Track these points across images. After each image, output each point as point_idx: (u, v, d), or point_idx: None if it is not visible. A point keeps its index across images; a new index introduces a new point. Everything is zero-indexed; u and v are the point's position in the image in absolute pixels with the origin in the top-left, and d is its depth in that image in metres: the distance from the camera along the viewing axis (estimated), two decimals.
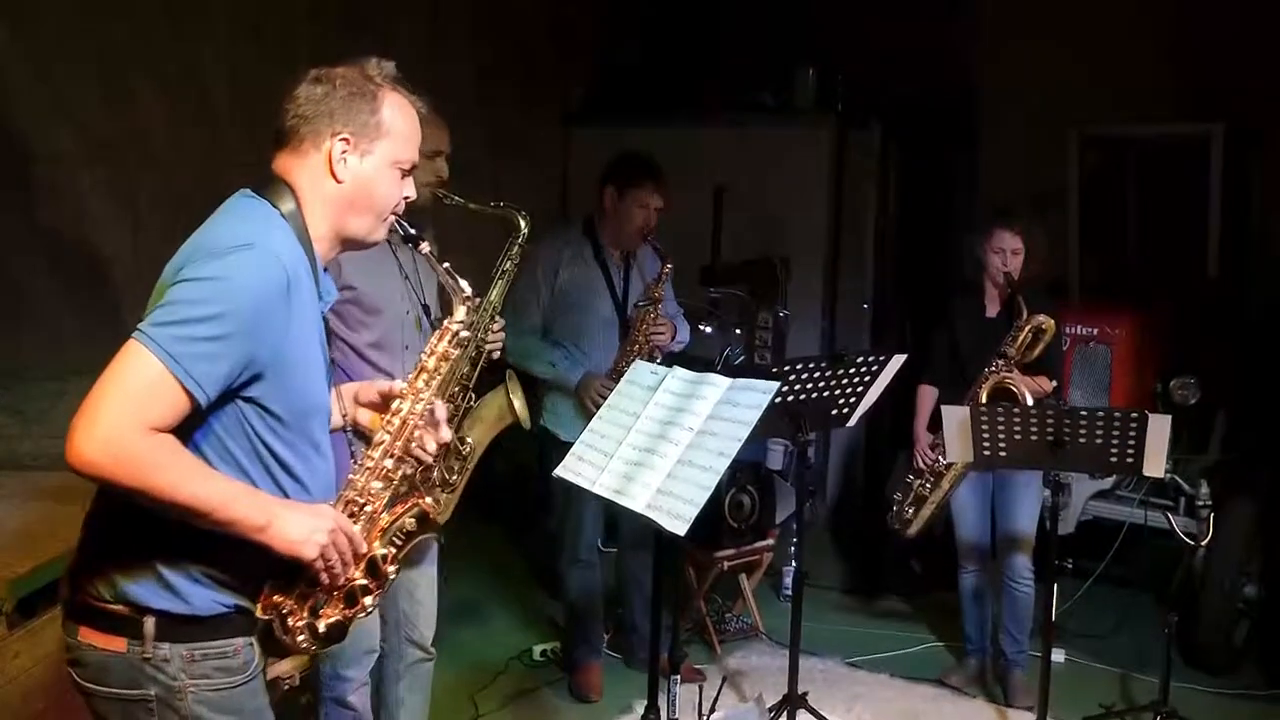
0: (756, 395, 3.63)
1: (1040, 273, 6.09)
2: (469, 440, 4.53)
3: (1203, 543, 5.91)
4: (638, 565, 6.10)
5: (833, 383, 5.07)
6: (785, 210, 8.78)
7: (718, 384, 3.76)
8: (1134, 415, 4.98)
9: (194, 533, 2.60)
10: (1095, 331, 7.13)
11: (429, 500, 3.07)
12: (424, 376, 3.07)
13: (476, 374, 4.51)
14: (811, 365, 4.95)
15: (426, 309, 4.56)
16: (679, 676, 4.28)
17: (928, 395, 6.20)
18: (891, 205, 9.06)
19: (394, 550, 2.99)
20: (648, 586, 5.61)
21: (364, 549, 2.88)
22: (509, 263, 4.55)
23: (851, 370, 5.10)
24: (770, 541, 7.06)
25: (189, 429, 2.61)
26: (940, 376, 6.18)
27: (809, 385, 4.98)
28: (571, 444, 4.02)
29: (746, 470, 6.98)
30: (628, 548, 6.26)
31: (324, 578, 2.77)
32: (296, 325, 2.70)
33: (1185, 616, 6.26)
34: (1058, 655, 6.46)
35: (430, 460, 4.31)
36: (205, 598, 2.70)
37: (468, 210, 4.48)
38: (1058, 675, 5.87)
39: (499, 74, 8.91)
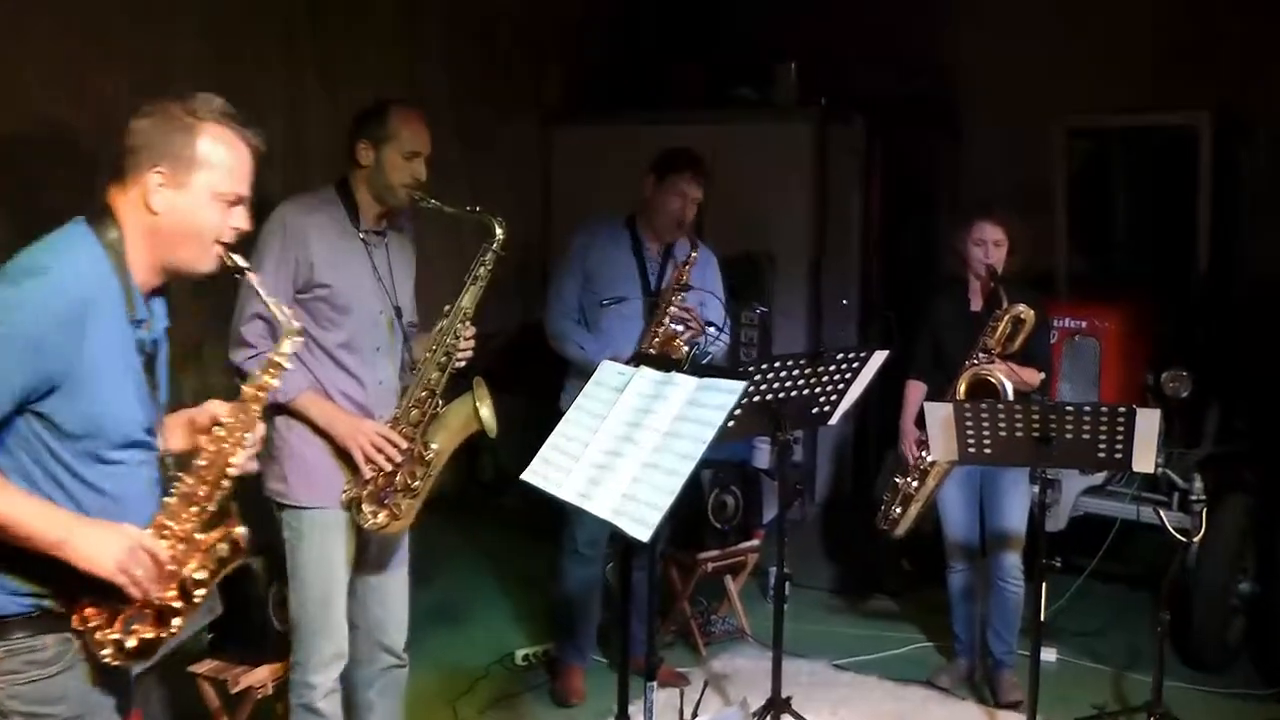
0: (722, 396, 3.52)
1: (1024, 266, 6.01)
2: (434, 446, 4.45)
3: (1196, 539, 5.80)
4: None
5: (813, 380, 4.99)
6: (769, 206, 8.70)
7: (684, 384, 3.66)
8: (1122, 410, 4.89)
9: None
10: (1084, 324, 7.06)
11: (240, 529, 3.03)
12: (243, 405, 3.06)
13: (445, 380, 4.45)
14: (790, 363, 4.87)
15: (399, 311, 4.51)
16: (655, 682, 4.16)
17: (916, 390, 6.13)
18: (876, 200, 8.96)
19: (207, 574, 2.99)
20: (638, 588, 5.53)
21: (170, 568, 2.90)
22: (482, 268, 4.46)
23: (832, 368, 5.02)
24: (755, 542, 6.97)
25: None
26: (927, 372, 6.09)
27: (788, 383, 4.90)
28: None
29: (731, 470, 6.91)
30: (630, 548, 6.17)
31: (130, 592, 2.80)
32: (93, 346, 2.76)
33: (1179, 614, 6.18)
34: (1049, 654, 6.40)
35: (381, 466, 4.30)
36: (8, 599, 2.78)
37: (443, 214, 4.40)
38: (1049, 675, 5.80)
39: (474, 74, 8.84)
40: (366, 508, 4.39)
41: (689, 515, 6.58)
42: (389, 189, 4.38)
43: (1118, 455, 4.97)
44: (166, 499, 2.96)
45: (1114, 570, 7.17)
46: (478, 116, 8.83)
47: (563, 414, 5.71)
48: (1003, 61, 8.95)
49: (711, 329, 5.84)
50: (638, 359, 4.40)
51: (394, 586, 4.71)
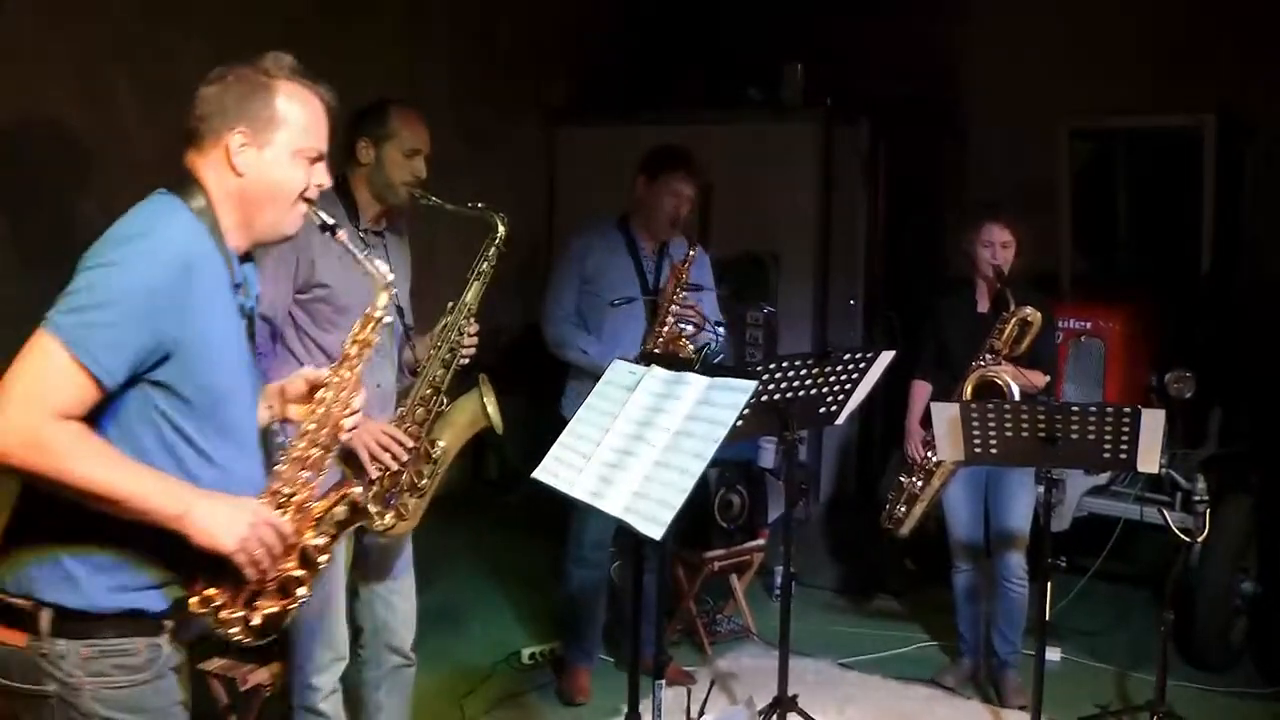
0: (734, 395, 3.54)
1: (1027, 266, 6.04)
2: (440, 444, 4.47)
3: (1199, 539, 5.82)
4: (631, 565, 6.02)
5: (820, 380, 5.00)
6: (774, 207, 8.72)
7: (695, 383, 3.67)
8: (1127, 411, 4.90)
9: (107, 524, 2.62)
10: (1088, 325, 7.07)
11: (358, 489, 3.05)
12: (346, 363, 3.07)
13: (450, 377, 4.47)
14: (797, 363, 4.89)
15: (401, 310, 4.51)
16: (664, 680, 4.18)
17: (921, 391, 6.15)
18: (881, 201, 8.98)
19: (327, 540, 2.98)
20: (645, 588, 5.55)
21: (292, 539, 2.88)
22: (485, 264, 4.48)
23: (839, 367, 5.04)
24: (761, 541, 6.99)
25: (97, 415, 2.64)
26: (932, 372, 6.11)
27: (795, 383, 4.91)
28: None
29: (736, 469, 6.94)
30: (627, 546, 6.21)
31: (249, 570, 2.76)
32: (201, 312, 2.73)
33: (1182, 614, 6.19)
34: (1053, 654, 6.41)
35: (387, 465, 4.30)
36: (105, 595, 2.70)
37: (445, 211, 4.41)
38: (1053, 674, 5.82)
39: (477, 74, 8.85)
40: (372, 509, 4.37)
41: (695, 514, 6.60)
42: (389, 187, 4.39)
43: (1123, 455, 4.98)
44: (278, 467, 2.95)
45: (1117, 570, 7.18)
46: (481, 117, 8.85)
47: (565, 419, 5.78)
48: (1007, 63, 8.96)
49: (713, 325, 5.86)
50: (647, 358, 4.40)
51: (400, 588, 4.71)
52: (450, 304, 4.47)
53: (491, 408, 4.53)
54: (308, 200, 2.98)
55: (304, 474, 2.95)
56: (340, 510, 2.99)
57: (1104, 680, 6.36)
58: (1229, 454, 7.12)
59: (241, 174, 2.86)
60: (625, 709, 4.20)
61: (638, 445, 3.61)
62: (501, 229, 4.47)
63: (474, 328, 4.48)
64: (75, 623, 2.69)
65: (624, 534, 6.09)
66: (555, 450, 3.88)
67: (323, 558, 2.95)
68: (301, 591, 2.91)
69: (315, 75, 3.00)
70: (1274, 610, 6.65)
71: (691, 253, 5.82)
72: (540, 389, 6.08)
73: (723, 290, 6.79)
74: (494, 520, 8.41)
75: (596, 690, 6.06)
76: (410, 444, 4.38)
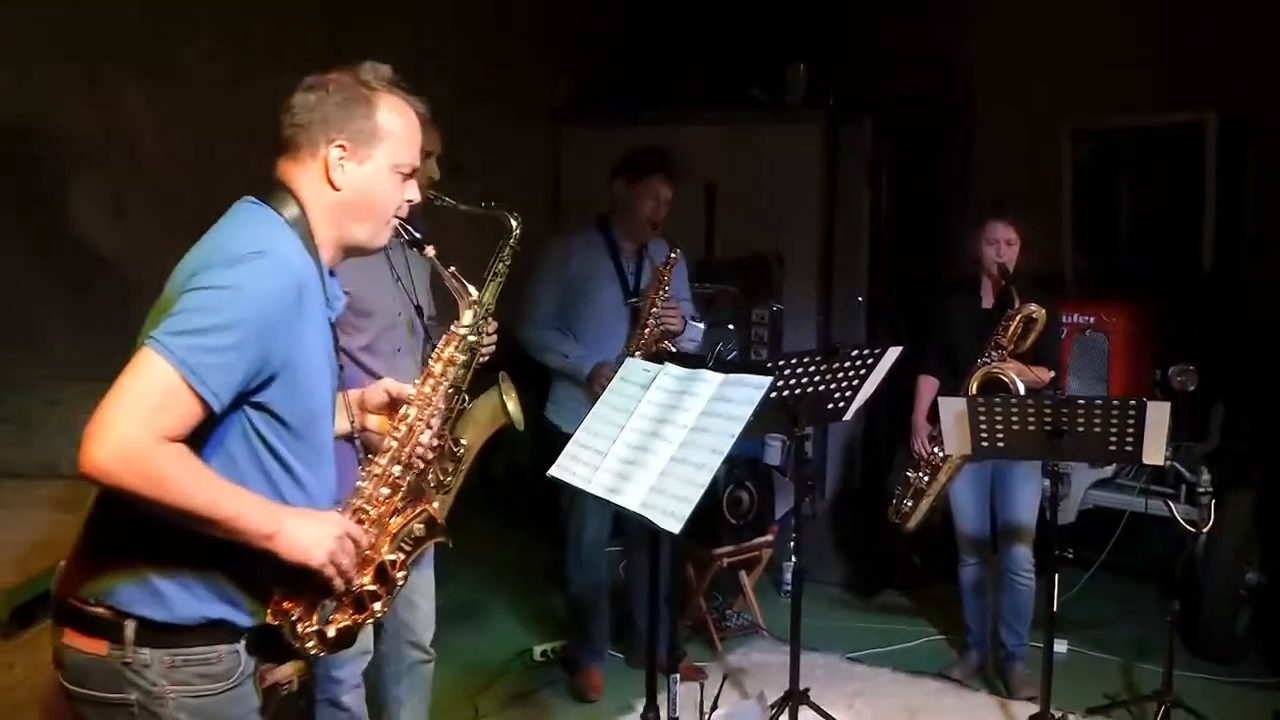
0: (750, 390, 3.60)
1: (1029, 265, 6.08)
2: (463, 442, 4.54)
3: (1204, 530, 5.88)
4: (642, 561, 6.08)
5: (828, 376, 5.05)
6: (778, 207, 8.74)
7: (710, 380, 3.73)
8: (1132, 403, 4.95)
9: (190, 540, 2.60)
10: (1092, 320, 7.11)
11: (435, 505, 3.09)
12: (430, 382, 3.08)
13: (470, 376, 4.50)
14: (806, 359, 4.94)
15: (419, 310, 4.57)
16: (678, 675, 4.24)
17: (928, 386, 6.20)
18: (885, 200, 9.02)
19: (403, 556, 3.00)
20: (659, 584, 5.60)
21: (371, 554, 2.90)
22: (501, 264, 4.55)
23: (846, 364, 5.08)
24: (769, 537, 7.05)
25: (195, 435, 2.60)
26: (938, 369, 6.16)
27: (804, 379, 4.96)
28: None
29: (744, 466, 6.99)
30: (633, 544, 6.27)
31: (335, 583, 2.78)
32: (308, 332, 2.72)
33: (1187, 605, 6.25)
34: (1060, 646, 6.42)
35: (425, 457, 4.35)
36: (190, 606, 2.69)
37: (458, 211, 4.47)
38: (1060, 666, 5.86)
39: (484, 76, 8.88)
40: (436, 509, 4.44)
41: (704, 511, 6.62)
42: None
43: (1129, 448, 5.03)
44: (360, 483, 2.95)
45: (1123, 563, 7.24)
46: (484, 118, 8.87)
47: (551, 423, 5.83)
48: (1009, 62, 8.99)
49: (694, 322, 5.93)
50: (659, 358, 4.47)
51: (420, 586, 4.75)
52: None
53: (512, 405, 4.60)
54: (399, 216, 2.96)
55: (384, 490, 2.97)
56: (417, 526, 3.02)
57: (1110, 672, 6.43)
58: (1232, 446, 7.16)
59: (339, 188, 2.83)
60: (638, 705, 4.27)
61: (654, 441, 3.66)
62: (516, 229, 4.54)
63: (492, 327, 4.54)
64: (159, 633, 2.68)
65: (631, 533, 6.20)
66: (570, 448, 3.93)
67: (399, 574, 2.98)
68: (378, 606, 2.94)
69: (411, 87, 2.96)
70: (1278, 600, 6.69)
71: (673, 255, 5.87)
72: (547, 390, 6.13)
73: (734, 285, 6.86)
74: (502, 520, 8.44)
75: (608, 686, 6.13)
76: (435, 443, 4.43)
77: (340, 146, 2.80)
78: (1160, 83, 8.27)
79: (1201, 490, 6.17)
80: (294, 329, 2.66)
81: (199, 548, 2.63)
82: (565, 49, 9.80)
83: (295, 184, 2.83)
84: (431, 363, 3.08)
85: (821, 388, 5.07)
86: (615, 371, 5.44)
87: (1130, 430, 4.98)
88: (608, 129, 8.93)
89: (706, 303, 8.13)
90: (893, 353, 5.20)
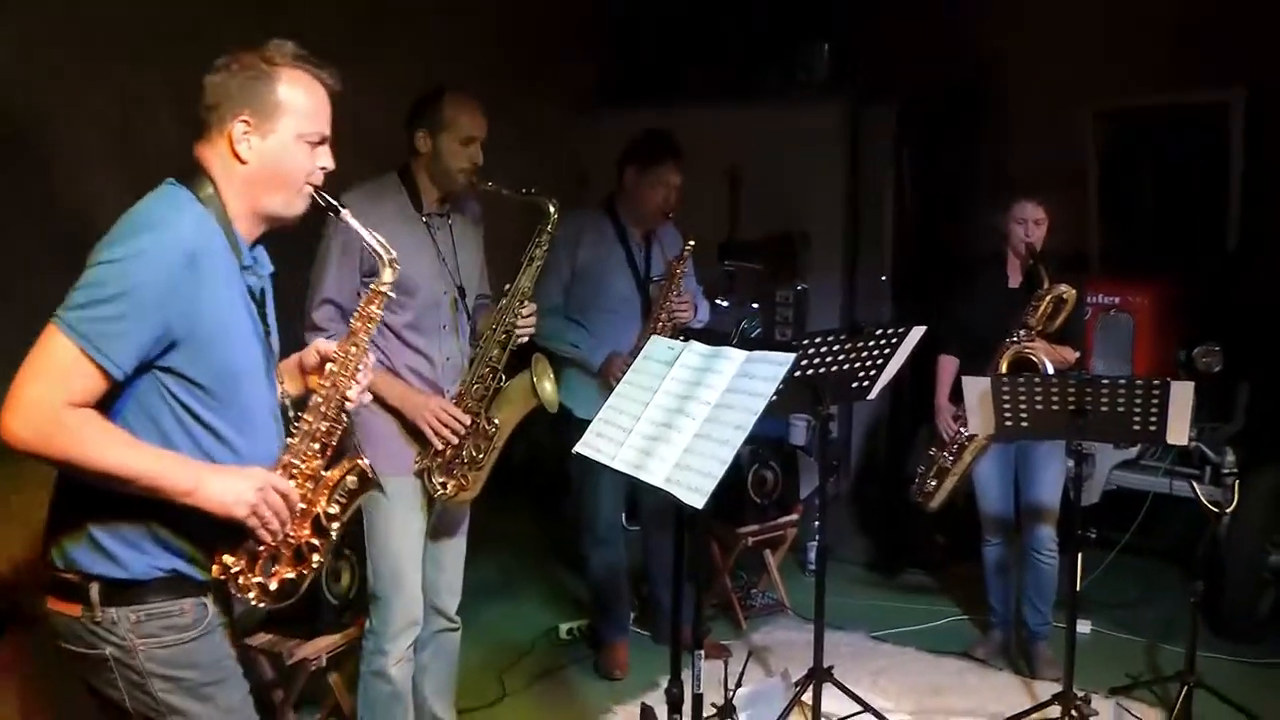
0: (773, 367, 3.60)
1: (1055, 245, 6.07)
2: (496, 421, 4.59)
3: (1228, 510, 5.88)
4: (661, 542, 6.11)
5: (852, 355, 5.06)
6: (802, 187, 8.74)
7: (734, 357, 3.74)
8: (1156, 383, 4.94)
9: (128, 500, 2.78)
10: (1117, 300, 7.11)
11: (365, 461, 3.15)
12: (352, 339, 3.17)
13: (505, 357, 4.59)
14: (830, 338, 4.94)
15: (462, 290, 4.64)
16: (702, 652, 4.26)
17: (949, 366, 6.18)
18: (908, 181, 9.02)
19: (338, 509, 3.10)
20: (674, 563, 5.62)
21: (300, 506, 3.01)
22: (538, 249, 4.60)
23: (871, 342, 5.09)
24: (794, 516, 7.07)
25: (112, 401, 2.79)
26: (962, 348, 6.16)
27: (828, 358, 4.97)
28: (588, 422, 4.02)
29: (769, 446, 7.00)
30: (651, 525, 6.29)
31: (262, 535, 2.92)
32: (210, 298, 2.84)
33: (1211, 585, 6.25)
34: (1084, 626, 6.47)
35: (448, 440, 4.40)
36: (142, 562, 2.88)
37: (499, 196, 4.52)
38: (1083, 646, 5.88)
39: (512, 59, 8.88)
40: (436, 478, 4.53)
41: (729, 491, 6.68)
42: (447, 174, 4.50)
43: (1152, 427, 5.03)
44: (289, 439, 3.05)
45: (1146, 544, 7.25)
46: (514, 103, 8.88)
47: (564, 411, 5.86)
48: (1033, 41, 8.93)
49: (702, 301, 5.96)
50: (682, 336, 4.49)
51: (451, 551, 4.84)
52: (506, 286, 4.59)
53: (547, 385, 4.65)
54: (313, 185, 3.07)
55: (313, 445, 3.07)
56: (351, 480, 3.11)
57: (1134, 652, 6.42)
58: (1257, 427, 7.14)
59: (245, 161, 2.95)
60: (663, 681, 4.28)
61: (678, 418, 3.68)
62: (554, 214, 4.58)
63: (528, 309, 4.59)
64: (122, 591, 2.88)
65: (649, 513, 6.22)
66: (596, 425, 3.94)
67: (334, 525, 3.08)
68: (316, 558, 3.05)
69: (320, 59, 3.07)
70: None
71: (688, 248, 5.85)
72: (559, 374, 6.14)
73: (758, 265, 6.88)
74: (526, 501, 8.47)
75: (634, 663, 6.15)
76: (467, 420, 4.50)
77: (244, 122, 2.94)
78: (1185, 61, 8.21)
79: (1226, 471, 6.15)
80: (190, 297, 2.78)
81: (134, 506, 2.81)
82: (592, 33, 9.79)
83: (208, 162, 2.98)
84: (353, 320, 3.18)
85: (846, 367, 5.08)
86: (626, 362, 5.51)
87: (1154, 410, 4.97)
88: (634, 112, 8.92)
89: (729, 280, 8.16)
90: (917, 332, 5.21)
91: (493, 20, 8.75)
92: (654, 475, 3.59)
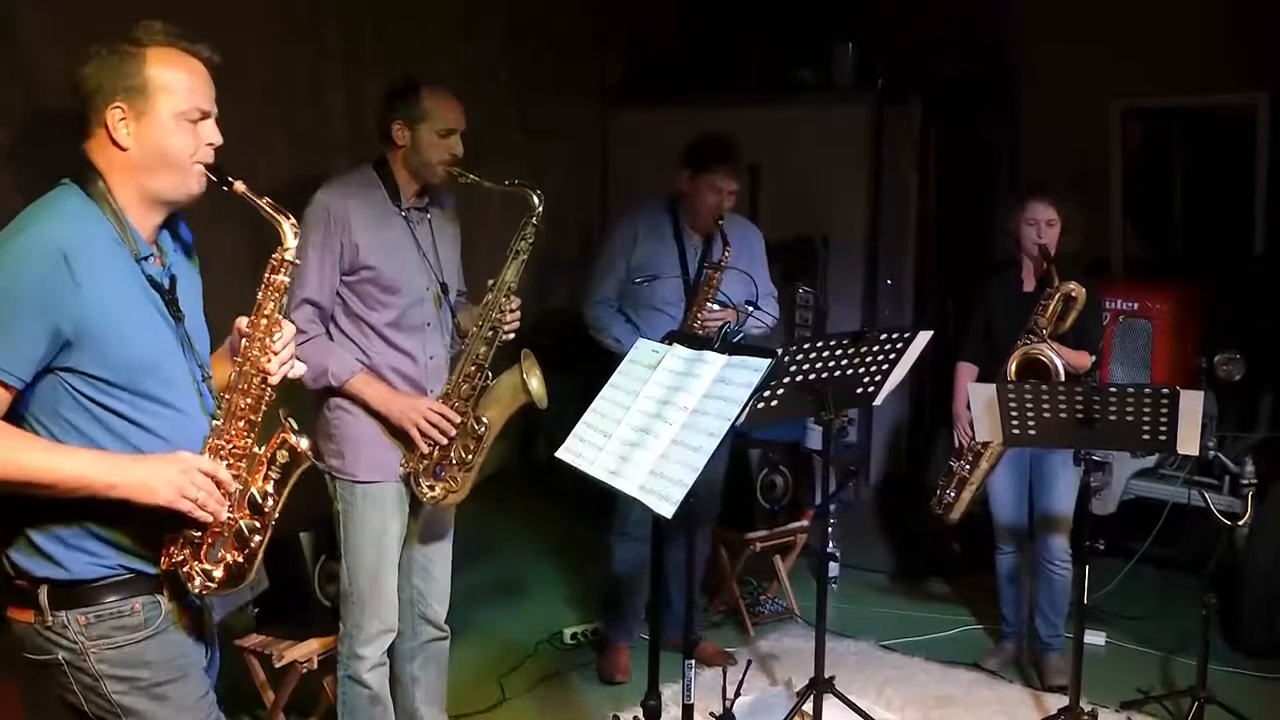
0: (748, 373, 3.54)
1: (1078, 249, 5.98)
2: (485, 419, 4.52)
3: (1241, 521, 5.76)
4: (674, 544, 6.03)
5: (856, 360, 4.96)
6: (824, 188, 8.70)
7: (713, 362, 3.68)
8: (1165, 392, 4.84)
9: (60, 501, 2.76)
10: (1135, 306, 7.01)
11: (295, 436, 3.05)
12: (259, 310, 3.06)
13: (492, 354, 4.52)
14: (832, 343, 4.85)
15: (444, 286, 4.60)
16: (693, 660, 4.19)
17: (967, 373, 6.09)
18: (932, 182, 8.94)
19: (275, 485, 3.03)
20: (683, 566, 5.55)
21: (233, 486, 2.94)
22: (523, 242, 4.51)
23: (875, 347, 5.00)
24: (804, 523, 6.97)
25: (21, 410, 2.78)
26: (978, 353, 6.07)
27: (831, 363, 4.88)
28: None
29: (780, 450, 6.93)
30: (666, 526, 6.21)
31: (198, 516, 2.85)
32: (97, 294, 2.77)
33: (1228, 599, 6.14)
34: (1098, 638, 6.40)
35: (436, 440, 4.33)
36: (83, 562, 2.85)
37: (483, 188, 4.44)
38: (1097, 658, 5.80)
39: (534, 56, 8.86)
40: (424, 482, 4.48)
41: (737, 495, 6.61)
42: (426, 166, 4.44)
43: (1162, 437, 4.93)
44: (214, 421, 2.99)
45: (1166, 555, 7.13)
46: (535, 99, 8.87)
47: None
48: (1059, 43, 8.87)
49: (751, 308, 5.84)
50: (670, 337, 4.41)
51: (437, 558, 4.80)
52: (490, 281, 4.50)
53: (535, 382, 4.57)
54: (203, 162, 2.97)
55: (238, 423, 2.99)
56: (283, 454, 3.02)
57: (1149, 665, 6.30)
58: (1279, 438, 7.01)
59: (125, 148, 2.88)
60: (664, 688, 4.24)
61: (656, 424, 3.62)
62: (539, 205, 4.48)
63: (514, 304, 4.51)
64: (70, 593, 2.84)
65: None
66: (578, 429, 3.90)
67: (269, 503, 3.00)
68: (257, 539, 2.98)
69: (190, 34, 3.00)
70: None
71: (727, 252, 5.76)
72: (593, 368, 6.08)
73: (773, 271, 6.78)
74: (542, 501, 8.45)
75: (636, 669, 6.07)
76: (457, 420, 4.44)
77: (118, 108, 2.86)
78: (1211, 63, 8.11)
79: (1245, 482, 6.05)
80: (75, 295, 2.73)
81: (66, 506, 2.78)
82: (613, 30, 9.77)
83: (94, 156, 2.91)
84: (259, 293, 3.05)
85: (850, 371, 4.98)
86: None
87: (1164, 419, 4.87)
88: (655, 109, 8.92)
89: None
90: (923, 336, 5.11)
91: (516, 18, 8.73)
92: (629, 483, 3.54)
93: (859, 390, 5.15)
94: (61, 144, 3.02)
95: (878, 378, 5.13)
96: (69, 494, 2.72)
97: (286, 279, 3.06)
